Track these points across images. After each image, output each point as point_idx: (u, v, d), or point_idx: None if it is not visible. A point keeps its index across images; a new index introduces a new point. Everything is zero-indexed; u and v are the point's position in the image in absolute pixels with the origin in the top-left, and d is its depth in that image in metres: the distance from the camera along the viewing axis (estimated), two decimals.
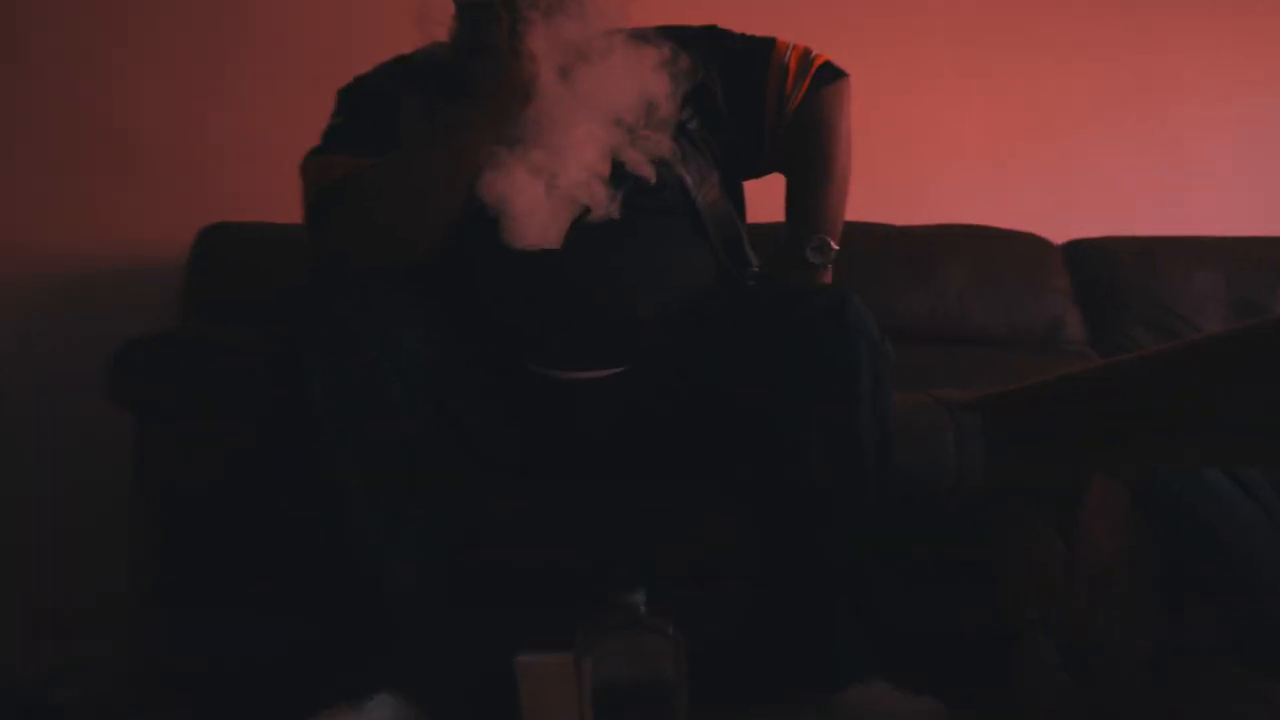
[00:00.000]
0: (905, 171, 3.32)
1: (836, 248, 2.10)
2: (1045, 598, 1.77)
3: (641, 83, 1.94)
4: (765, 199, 2.23)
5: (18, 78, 2.96)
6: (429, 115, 1.98)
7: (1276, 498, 1.71)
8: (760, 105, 2.11)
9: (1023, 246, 3.11)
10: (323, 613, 1.82)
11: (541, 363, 1.93)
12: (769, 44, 2.14)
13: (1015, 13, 3.52)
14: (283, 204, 2.25)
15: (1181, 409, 1.51)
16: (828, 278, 2.11)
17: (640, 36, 2.05)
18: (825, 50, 2.18)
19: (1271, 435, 1.46)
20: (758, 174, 2.20)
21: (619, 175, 1.94)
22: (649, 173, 1.95)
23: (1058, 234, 3.22)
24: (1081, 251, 3.17)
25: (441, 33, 2.05)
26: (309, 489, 1.78)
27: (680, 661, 1.57)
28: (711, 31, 2.16)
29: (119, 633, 2.22)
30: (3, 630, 2.69)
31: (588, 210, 1.91)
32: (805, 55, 2.13)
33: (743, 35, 2.16)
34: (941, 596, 2.11)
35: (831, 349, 1.77)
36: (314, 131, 2.08)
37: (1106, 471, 1.67)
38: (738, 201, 2.17)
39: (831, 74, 2.14)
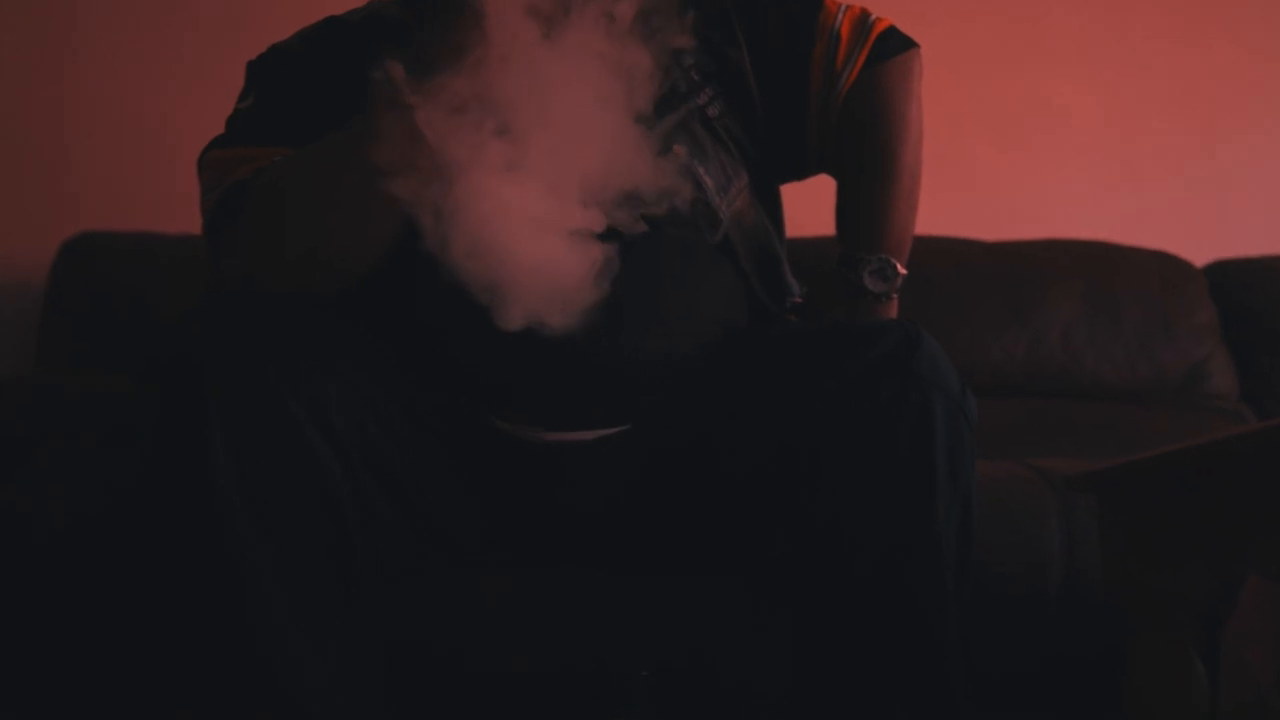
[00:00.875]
0: (998, 171, 3.36)
1: (903, 271, 2.09)
2: None
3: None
4: (812, 206, 2.25)
5: None
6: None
7: None
8: (804, 84, 2.09)
9: (1154, 270, 3.12)
10: None
11: (514, 419, 1.93)
12: (816, 3, 2.11)
13: None
14: (166, 208, 2.26)
15: None
16: (893, 311, 2.11)
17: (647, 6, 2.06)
18: (895, 14, 2.15)
19: None
20: (800, 175, 2.20)
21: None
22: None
23: (1200, 254, 3.24)
24: (1231, 276, 3.19)
25: None
26: (200, 581, 1.75)
27: None
28: None
29: None
30: None
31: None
32: (862, 18, 2.11)
33: None
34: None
35: (897, 406, 1.75)
36: (210, 117, 2.09)
37: (1265, 571, 1.67)
38: (774, 211, 2.17)
39: (897, 43, 2.12)
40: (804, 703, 1.84)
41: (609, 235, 1.82)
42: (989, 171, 3.31)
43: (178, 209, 2.10)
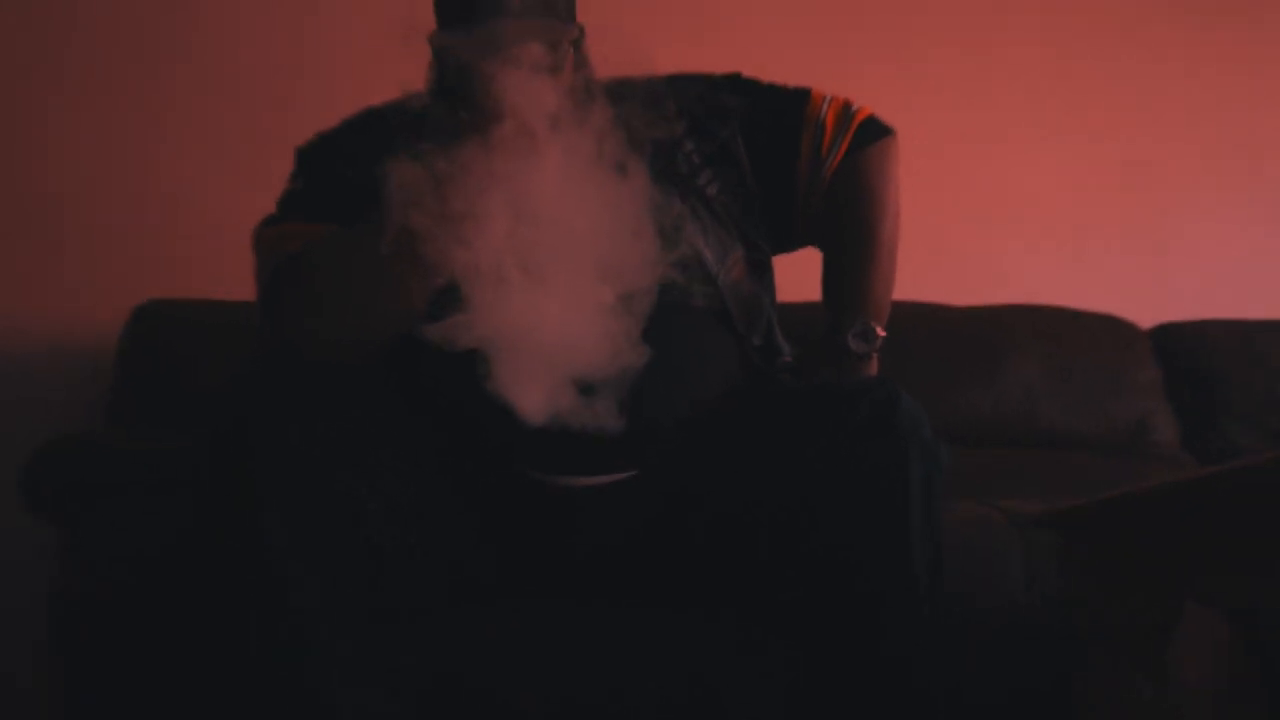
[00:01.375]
0: (966, 242, 3.37)
1: (883, 334, 2.11)
2: None
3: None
4: (800, 276, 2.26)
5: None
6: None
7: None
8: (793, 167, 2.12)
9: (1104, 332, 3.13)
10: None
11: (532, 466, 1.93)
12: (803, 95, 2.15)
13: (1104, 63, 3.60)
14: (228, 278, 2.27)
15: None
16: (873, 369, 2.13)
17: (648, 89, 2.08)
18: (874, 103, 2.18)
19: None
20: (790, 248, 2.21)
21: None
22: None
23: (1146, 317, 3.25)
24: (1173, 338, 3.20)
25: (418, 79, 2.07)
26: (251, 624, 1.77)
27: None
28: (735, 80, 2.17)
29: None
30: None
31: None
32: (845, 109, 2.14)
33: (772, 85, 2.17)
34: None
35: (878, 456, 1.77)
36: (266, 195, 2.09)
37: (1202, 600, 1.68)
38: (766, 281, 2.17)
39: (876, 131, 2.15)
40: None
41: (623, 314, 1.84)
42: (960, 243, 3.32)
43: (239, 278, 2.10)
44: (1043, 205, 3.51)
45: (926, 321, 2.91)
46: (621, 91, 2.04)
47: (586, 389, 1.81)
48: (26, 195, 3.04)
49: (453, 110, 1.95)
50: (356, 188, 1.97)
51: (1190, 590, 1.69)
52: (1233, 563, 1.66)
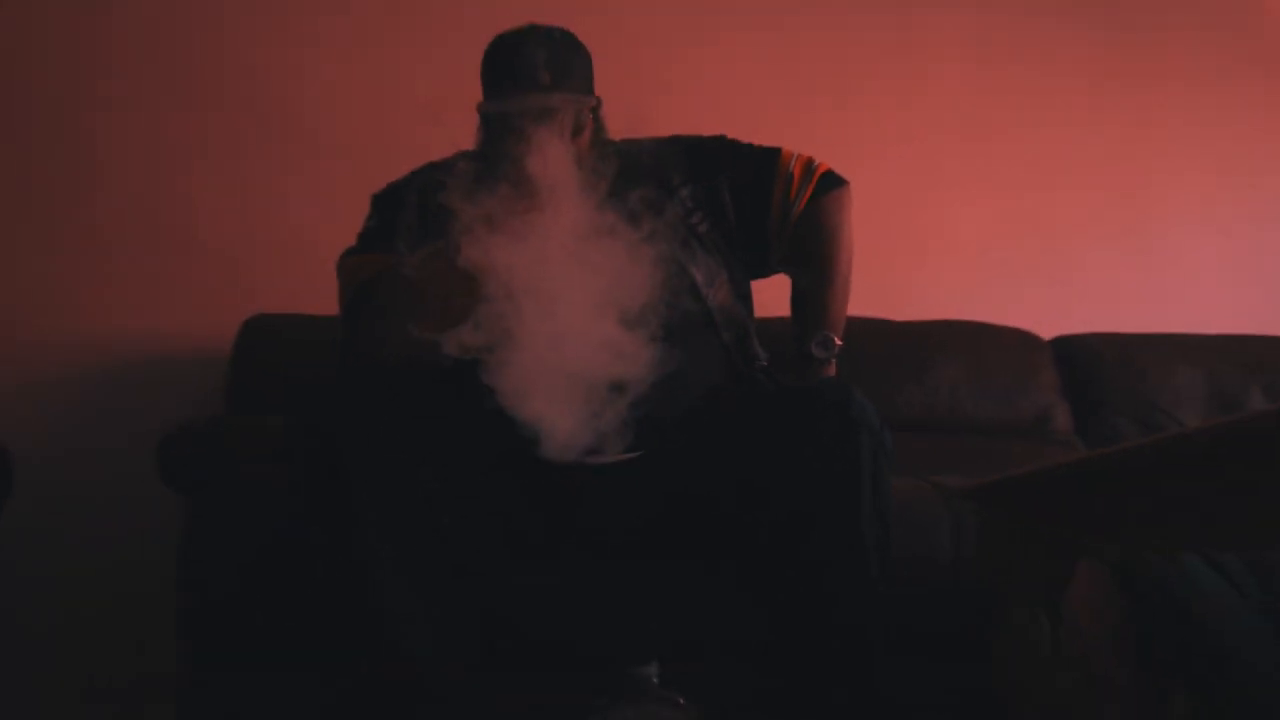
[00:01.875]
0: (907, 267, 3.37)
1: (840, 343, 2.14)
2: (1032, 674, 1.80)
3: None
4: (774, 296, 2.28)
5: (83, 172, 3.00)
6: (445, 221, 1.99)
7: (1250, 580, 1.74)
8: (766, 210, 2.14)
9: (1014, 342, 3.14)
10: (356, 678, 1.84)
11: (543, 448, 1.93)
12: (775, 153, 2.17)
13: (1019, 123, 3.59)
14: (322, 296, 2.28)
15: (1161, 499, 1.54)
16: (832, 370, 2.15)
17: (652, 148, 2.11)
18: (836, 155, 2.21)
19: (1242, 522, 1.50)
20: (765, 274, 2.23)
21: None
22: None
23: (1049, 329, 3.25)
24: (1069, 348, 3.20)
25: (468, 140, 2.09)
26: (342, 565, 1.80)
27: None
28: (721, 141, 2.20)
29: (167, 703, 2.24)
30: (59, 702, 2.71)
31: None
32: (809, 164, 2.16)
33: (750, 145, 2.20)
34: (937, 672, 2.12)
35: (836, 441, 1.80)
36: (350, 229, 2.14)
37: (1090, 556, 1.70)
38: (746, 300, 2.19)
39: (833, 181, 2.18)
40: (770, 654, 1.86)
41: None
42: (901, 268, 3.32)
43: (329, 296, 2.12)
44: (967, 238, 3.50)
45: (873, 333, 2.89)
46: (632, 150, 2.07)
47: (607, 390, 1.83)
48: (158, 225, 3.03)
49: (493, 165, 1.97)
50: (416, 225, 2.03)
51: (1081, 549, 1.70)
52: (1111, 526, 1.67)
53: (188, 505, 2.20)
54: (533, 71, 1.97)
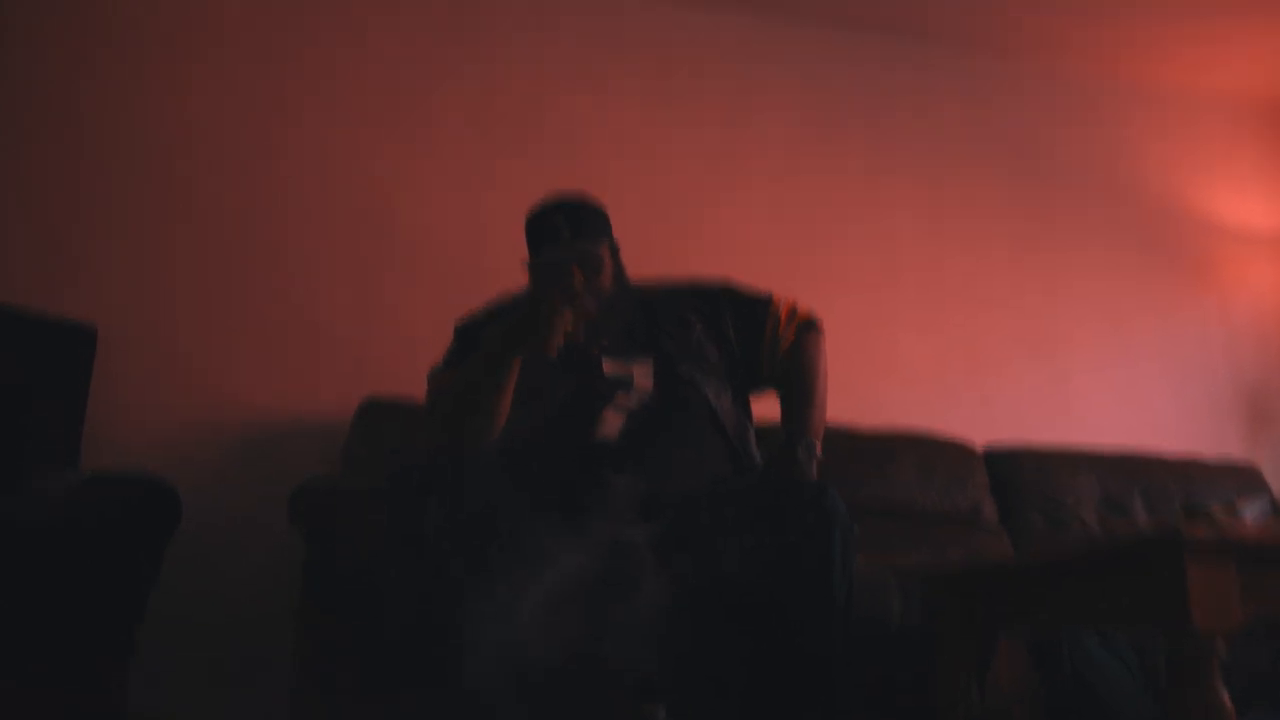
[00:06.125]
0: (869, 387, 3.35)
1: (819, 449, 2.13)
2: None
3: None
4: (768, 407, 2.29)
5: (235, 273, 3.02)
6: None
7: (1131, 656, 1.73)
8: (759, 343, 2.15)
9: (953, 451, 3.12)
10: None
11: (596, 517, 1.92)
12: (768, 299, 2.20)
13: (958, 272, 3.62)
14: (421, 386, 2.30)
15: (1060, 592, 1.54)
16: (815, 468, 2.14)
17: (669, 289, 2.13)
18: (817, 287, 2.31)
19: (1121, 614, 1.49)
20: (759, 391, 2.22)
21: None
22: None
23: (981, 432, 3.26)
24: (996, 457, 3.20)
25: None
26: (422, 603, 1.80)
27: None
28: (727, 286, 2.23)
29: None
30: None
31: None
32: (793, 309, 2.19)
33: (750, 291, 2.22)
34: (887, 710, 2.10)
35: (813, 529, 1.79)
36: (446, 334, 2.17)
37: (1010, 635, 1.70)
38: (746, 409, 2.18)
39: (810, 325, 2.20)
40: (755, 694, 1.83)
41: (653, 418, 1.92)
42: (865, 382, 3.32)
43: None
44: (918, 359, 3.50)
45: (843, 440, 2.87)
46: (649, 289, 2.10)
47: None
48: (298, 315, 3.03)
49: (535, 301, 2.00)
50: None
51: (1002, 630, 1.70)
52: (1026, 611, 1.67)
53: (309, 541, 2.22)
54: (555, 230, 2.03)
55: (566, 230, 2.04)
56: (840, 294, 3.36)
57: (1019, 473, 3.14)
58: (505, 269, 2.27)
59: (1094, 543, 1.56)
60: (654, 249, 2.37)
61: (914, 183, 3.65)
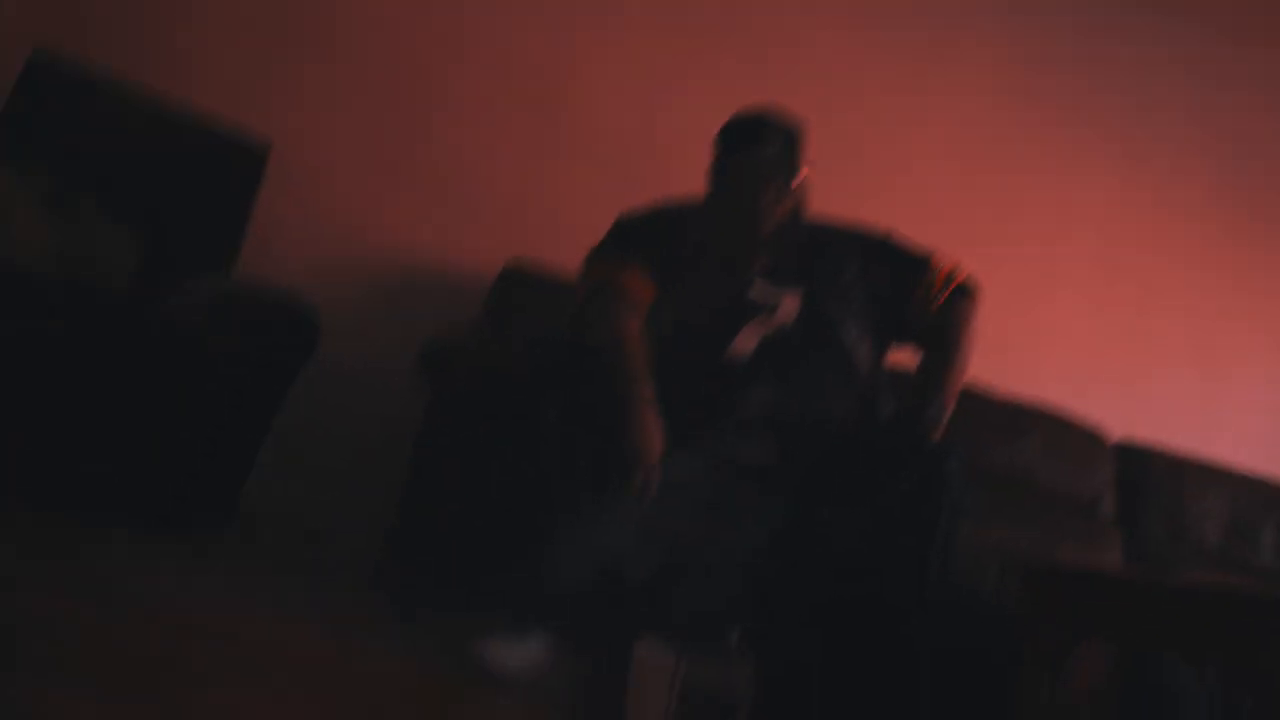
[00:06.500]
0: (1018, 355, 3.24)
1: (950, 411, 2.11)
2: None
3: None
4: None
5: (405, 120, 3.04)
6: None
7: (1219, 687, 1.70)
8: (911, 299, 2.14)
9: (1086, 437, 3.02)
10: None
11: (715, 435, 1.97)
12: (928, 258, 2.17)
13: (1135, 260, 3.47)
14: (571, 251, 2.33)
15: (1173, 622, 1.51)
16: (941, 429, 2.12)
17: (834, 232, 2.11)
18: (987, 252, 2.25)
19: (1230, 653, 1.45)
20: (902, 345, 2.22)
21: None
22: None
23: (1120, 427, 3.16)
24: (1128, 452, 3.09)
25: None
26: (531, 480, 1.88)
27: (749, 687, 1.62)
28: (891, 237, 2.20)
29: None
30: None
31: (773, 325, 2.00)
32: (952, 272, 2.16)
33: (912, 247, 2.19)
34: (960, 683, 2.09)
35: (926, 490, 1.82)
36: (603, 219, 2.17)
37: (1099, 638, 1.67)
38: (882, 360, 2.18)
39: (967, 289, 2.17)
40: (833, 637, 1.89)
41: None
42: (1009, 352, 3.16)
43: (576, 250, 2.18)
44: (1074, 333, 3.38)
45: (978, 404, 2.83)
46: (817, 225, 2.09)
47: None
48: (465, 171, 3.04)
49: (713, 208, 2.04)
50: (645, 245, 2.08)
51: (1087, 631, 1.67)
52: (1129, 626, 1.64)
53: (432, 393, 2.28)
54: (750, 141, 2.02)
55: (761, 145, 2.02)
56: (1009, 253, 3.25)
57: (1148, 473, 3.03)
58: (672, 172, 2.26)
59: (1235, 591, 1.51)
60: (830, 178, 2.32)
61: (1109, 150, 3.46)
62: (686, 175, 2.20)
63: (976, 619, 2.10)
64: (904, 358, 2.27)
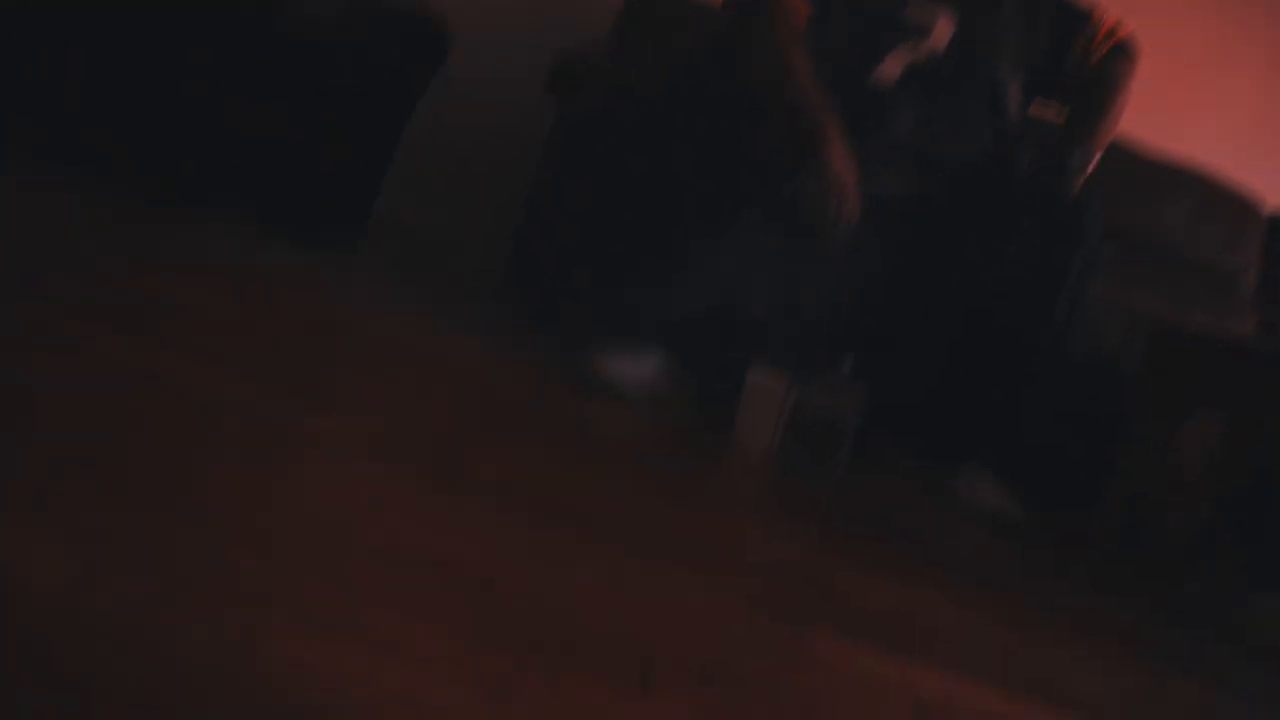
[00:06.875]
0: (1179, 109, 3.07)
1: (1093, 164, 2.04)
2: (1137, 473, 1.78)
3: None
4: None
5: None
6: None
7: None
8: (1068, 50, 2.07)
9: (1238, 204, 2.87)
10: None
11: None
12: (1089, 12, 2.10)
13: None
14: None
15: None
16: (1080, 180, 2.05)
17: None
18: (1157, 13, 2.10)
19: None
20: (1051, 97, 2.15)
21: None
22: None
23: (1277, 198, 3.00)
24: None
25: None
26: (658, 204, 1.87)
27: (857, 411, 1.65)
28: None
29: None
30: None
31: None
32: (1113, 29, 2.08)
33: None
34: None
35: (1059, 241, 1.79)
36: None
37: (1214, 403, 1.65)
38: (1027, 107, 2.12)
39: (1125, 48, 2.08)
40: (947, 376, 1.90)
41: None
42: (1169, 112, 3.00)
43: None
44: (1236, 102, 3.16)
45: (1128, 161, 2.71)
46: None
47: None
48: None
49: None
50: None
51: (1203, 398, 1.65)
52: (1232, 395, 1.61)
53: (559, 109, 2.27)
54: None
55: None
56: (1182, 15, 3.04)
57: None
58: None
59: None
60: None
61: None
62: None
63: (1096, 375, 2.09)
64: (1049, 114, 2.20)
